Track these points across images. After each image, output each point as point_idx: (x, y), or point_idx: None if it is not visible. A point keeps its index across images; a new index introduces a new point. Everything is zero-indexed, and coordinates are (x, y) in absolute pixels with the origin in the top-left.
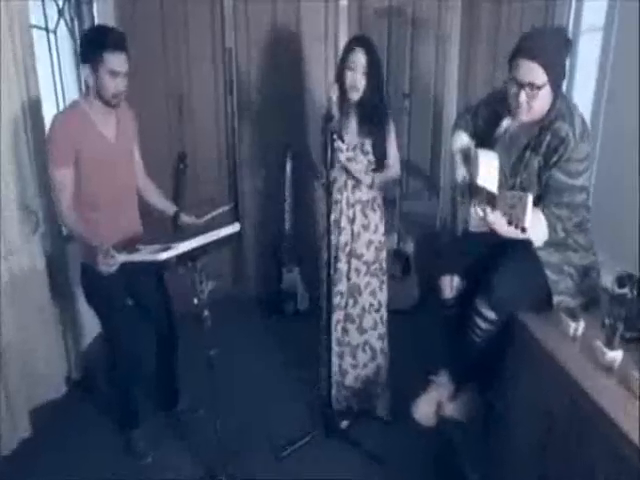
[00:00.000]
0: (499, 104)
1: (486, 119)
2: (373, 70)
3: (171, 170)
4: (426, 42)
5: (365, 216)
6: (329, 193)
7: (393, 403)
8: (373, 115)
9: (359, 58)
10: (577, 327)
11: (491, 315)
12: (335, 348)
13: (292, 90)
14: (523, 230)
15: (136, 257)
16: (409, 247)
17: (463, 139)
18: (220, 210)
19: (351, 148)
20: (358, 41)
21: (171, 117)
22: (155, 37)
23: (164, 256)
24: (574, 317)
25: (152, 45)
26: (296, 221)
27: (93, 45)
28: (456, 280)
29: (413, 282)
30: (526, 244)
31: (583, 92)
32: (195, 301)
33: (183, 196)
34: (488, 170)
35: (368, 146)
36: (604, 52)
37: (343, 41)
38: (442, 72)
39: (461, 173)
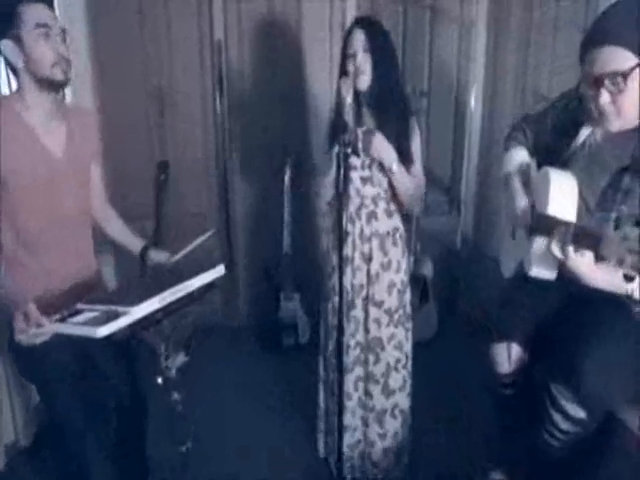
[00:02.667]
0: (575, 108)
1: (555, 129)
2: (378, 49)
3: (150, 182)
4: (447, 33)
5: (385, 253)
6: (339, 222)
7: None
8: (390, 110)
9: (358, 37)
10: None
11: (579, 414)
12: (359, 411)
13: (292, 89)
14: None
15: (69, 329)
16: (427, 269)
17: (521, 156)
18: (199, 241)
19: (367, 165)
20: (356, 21)
21: (150, 119)
22: (131, 26)
23: (104, 332)
24: None
25: (127, 36)
26: (296, 239)
27: (4, 10)
28: (516, 349)
29: (432, 310)
30: (621, 302)
31: None
32: (159, 380)
33: (164, 211)
34: (563, 197)
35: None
36: None
37: None
38: (466, 68)
39: (522, 202)
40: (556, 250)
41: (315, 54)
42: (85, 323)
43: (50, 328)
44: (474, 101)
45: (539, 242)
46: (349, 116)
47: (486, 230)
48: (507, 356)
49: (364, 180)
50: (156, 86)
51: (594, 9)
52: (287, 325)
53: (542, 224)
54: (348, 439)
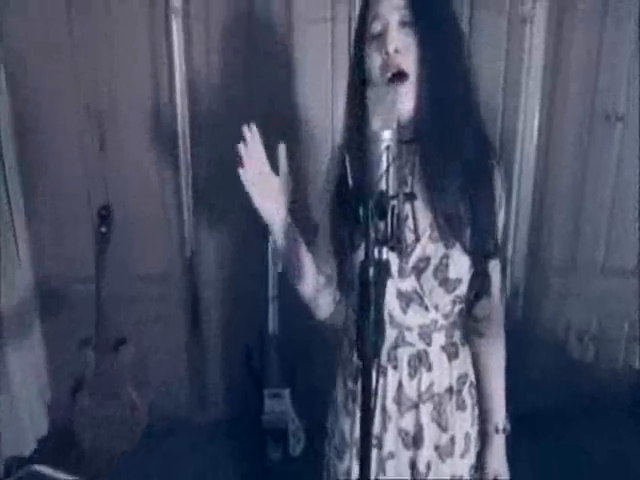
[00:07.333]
0: None
1: None
2: (432, 20)
3: (88, 235)
4: (493, 27)
5: (444, 427)
6: (365, 376)
7: None
8: (458, 154)
9: None
10: None
11: None
12: None
13: (277, 107)
14: None
15: None
16: None
17: None
18: None
19: (409, 271)
20: None
21: (86, 149)
22: (60, 26)
23: None
24: None
25: (55, 38)
26: (285, 315)
27: None
28: None
29: None
30: None
31: None
32: None
33: (107, 273)
34: None
35: (458, 264)
36: None
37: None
38: (517, 73)
39: None
40: None
41: (311, 60)
42: None
43: None
44: (527, 115)
45: None
46: (387, 176)
47: (541, 293)
48: None
49: (406, 298)
50: (93, 105)
51: None
52: (274, 432)
53: None
54: None
